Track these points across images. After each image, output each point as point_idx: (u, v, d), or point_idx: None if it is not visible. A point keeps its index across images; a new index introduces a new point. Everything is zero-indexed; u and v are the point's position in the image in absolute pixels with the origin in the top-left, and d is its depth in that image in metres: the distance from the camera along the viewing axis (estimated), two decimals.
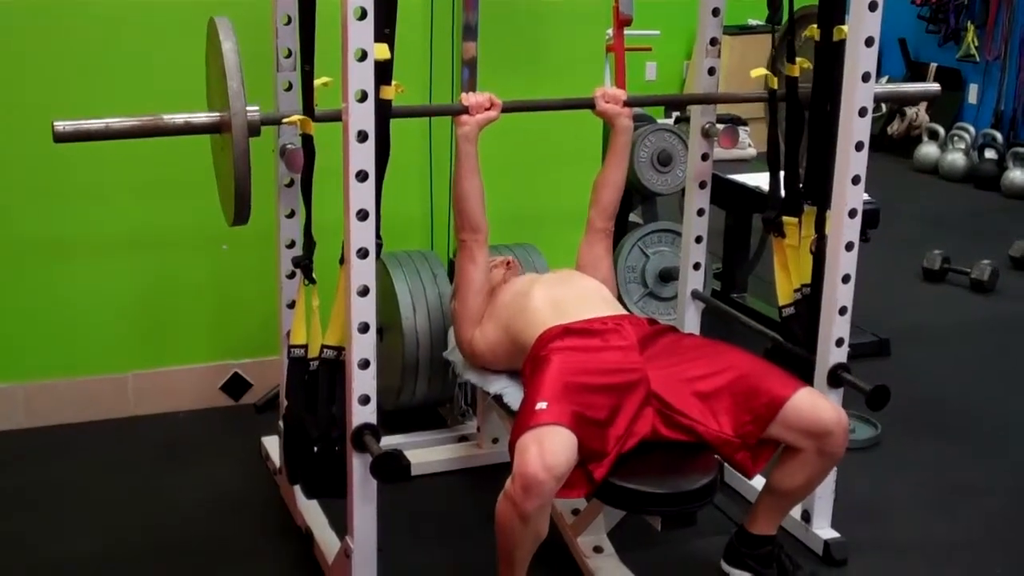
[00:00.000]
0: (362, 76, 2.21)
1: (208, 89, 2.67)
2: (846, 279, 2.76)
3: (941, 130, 7.76)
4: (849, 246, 2.74)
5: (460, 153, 2.83)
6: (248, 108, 2.38)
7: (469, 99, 2.83)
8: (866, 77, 2.62)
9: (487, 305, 2.93)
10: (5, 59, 3.35)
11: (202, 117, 2.50)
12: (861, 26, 2.59)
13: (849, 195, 2.70)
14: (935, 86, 3.33)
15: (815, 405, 2.53)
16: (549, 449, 2.29)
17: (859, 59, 2.61)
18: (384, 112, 2.39)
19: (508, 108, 2.88)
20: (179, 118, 2.46)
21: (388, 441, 2.79)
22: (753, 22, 7.93)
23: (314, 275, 2.64)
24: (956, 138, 7.64)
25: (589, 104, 3.00)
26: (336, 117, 2.32)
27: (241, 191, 2.39)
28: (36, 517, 3.10)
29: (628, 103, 2.99)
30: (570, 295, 2.83)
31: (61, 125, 2.34)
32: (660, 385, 2.53)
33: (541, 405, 2.39)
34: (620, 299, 3.01)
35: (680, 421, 2.50)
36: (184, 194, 3.53)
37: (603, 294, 2.90)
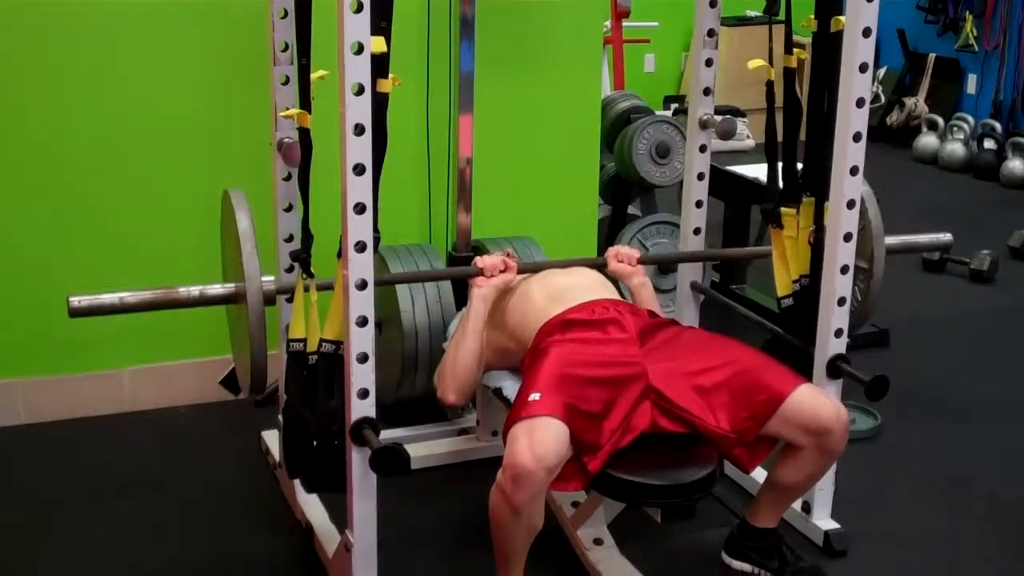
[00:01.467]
0: (359, 69, 2.21)
1: (223, 257, 2.70)
2: (844, 270, 2.76)
3: (940, 120, 7.76)
4: (847, 237, 2.74)
5: (472, 313, 2.80)
6: (264, 279, 2.41)
7: (484, 262, 2.83)
8: (863, 68, 2.62)
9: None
10: (4, 62, 3.36)
11: (217, 289, 2.54)
12: (858, 16, 2.59)
13: (847, 186, 2.70)
14: (947, 237, 3.34)
15: (815, 402, 2.52)
16: (539, 440, 2.29)
17: (857, 50, 2.61)
18: (381, 105, 2.39)
19: (523, 269, 2.89)
20: (194, 290, 2.52)
21: (387, 435, 2.80)
22: (751, 13, 7.93)
23: (312, 269, 2.64)
24: (955, 128, 7.64)
25: (602, 264, 2.99)
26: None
27: (257, 364, 2.42)
28: (35, 513, 3.10)
29: (642, 261, 2.99)
30: (569, 283, 2.84)
31: (76, 300, 2.44)
32: (659, 379, 2.52)
33: (534, 396, 2.39)
34: (620, 292, 3.00)
35: (679, 415, 2.50)
36: (180, 188, 3.53)
37: (602, 280, 2.90)
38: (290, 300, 2.62)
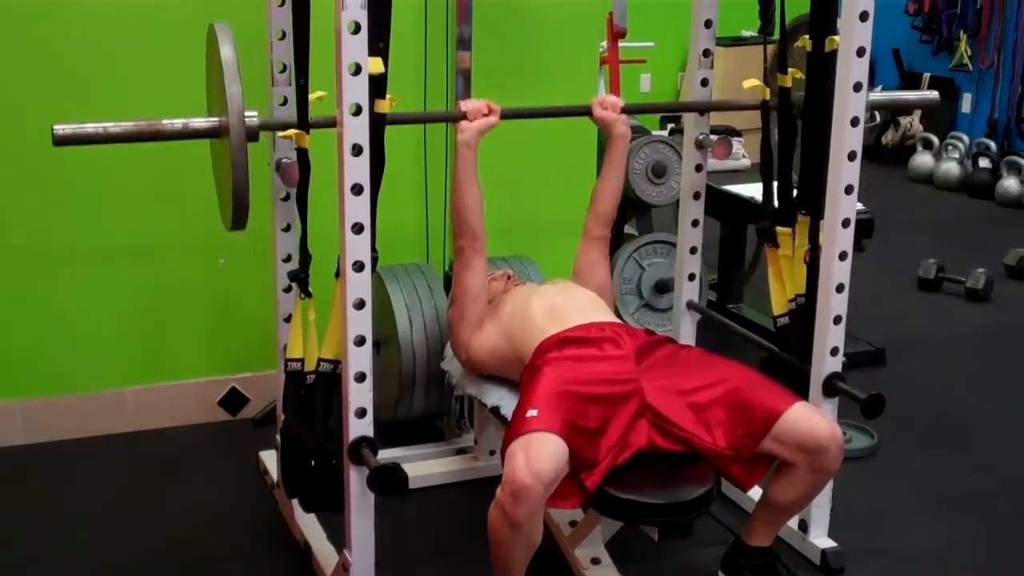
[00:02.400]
0: (357, 90, 2.22)
1: (208, 95, 2.69)
2: (840, 288, 2.77)
3: (935, 139, 7.78)
4: (843, 255, 2.75)
5: (459, 159, 2.84)
6: (246, 113, 2.40)
7: (467, 105, 2.84)
8: (858, 87, 2.64)
9: (486, 312, 2.93)
10: (3, 65, 3.36)
11: (200, 122, 2.53)
12: (852, 36, 2.61)
13: (842, 205, 2.71)
14: (933, 94, 3.33)
15: (810, 421, 2.53)
16: (537, 456, 2.30)
17: (851, 69, 2.63)
18: (379, 125, 2.40)
19: (506, 115, 2.90)
20: (177, 122, 2.49)
21: (385, 454, 2.80)
22: (746, 33, 7.95)
23: (310, 289, 2.65)
24: (950, 147, 7.66)
25: (587, 111, 3.01)
26: (331, 123, 2.34)
27: (239, 194, 2.41)
28: (35, 533, 3.10)
29: (625, 110, 3.00)
30: (567, 303, 2.84)
31: (60, 128, 2.39)
32: (655, 397, 2.53)
33: (532, 413, 2.40)
34: (616, 311, 3.01)
35: (675, 433, 2.51)
36: (182, 210, 3.54)
37: (599, 304, 2.90)
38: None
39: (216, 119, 2.50)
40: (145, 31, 3.45)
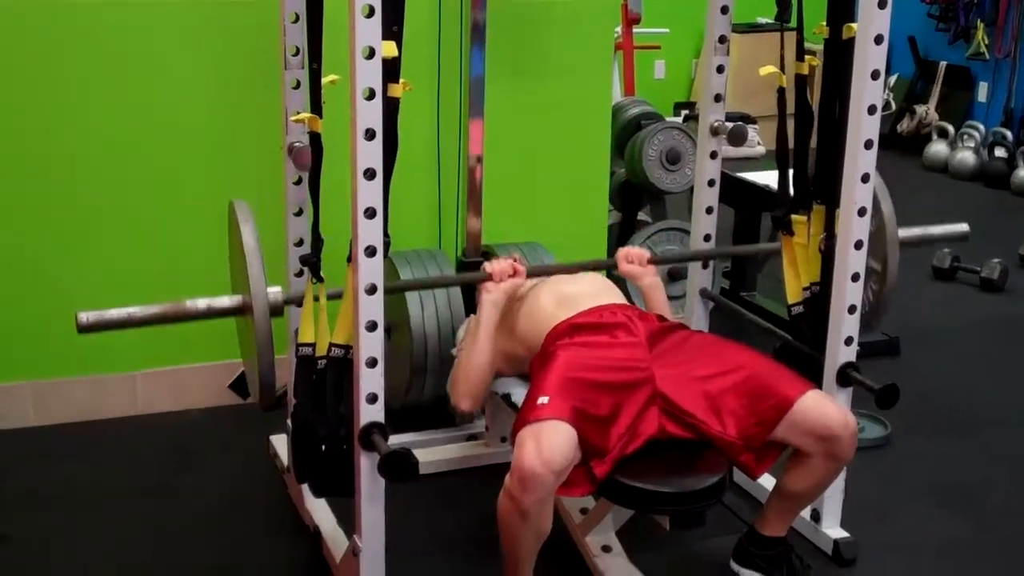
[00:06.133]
0: (370, 74, 2.20)
1: (231, 267, 2.71)
2: (855, 277, 2.75)
3: (951, 128, 7.74)
4: (858, 244, 2.73)
5: (483, 319, 2.78)
6: (269, 290, 2.43)
7: (493, 267, 2.81)
8: (875, 75, 2.61)
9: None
10: (11, 86, 3.37)
11: (225, 301, 2.55)
12: (870, 24, 2.58)
13: (858, 193, 2.69)
14: (963, 227, 3.34)
15: (822, 408, 2.51)
16: (547, 443, 2.29)
17: (868, 57, 2.60)
18: (392, 110, 2.39)
19: (532, 272, 2.89)
20: (201, 303, 2.53)
21: (396, 439, 2.80)
22: (762, 20, 7.92)
23: (322, 273, 2.64)
24: (966, 136, 7.61)
25: (612, 265, 2.99)
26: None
27: (265, 379, 2.44)
28: (45, 516, 3.10)
29: (652, 261, 2.98)
30: (577, 290, 2.83)
31: (84, 316, 2.43)
32: (666, 384, 2.52)
33: (542, 400, 2.39)
34: (630, 299, 3.00)
35: (685, 420, 2.50)
36: (193, 192, 3.53)
37: (610, 287, 2.89)
38: (299, 305, 2.62)
39: (240, 298, 2.53)
40: (155, 31, 3.45)
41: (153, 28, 3.43)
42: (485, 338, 2.77)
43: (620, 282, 3.18)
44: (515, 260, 2.84)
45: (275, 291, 2.47)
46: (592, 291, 2.84)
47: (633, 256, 2.96)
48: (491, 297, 2.79)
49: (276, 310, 2.46)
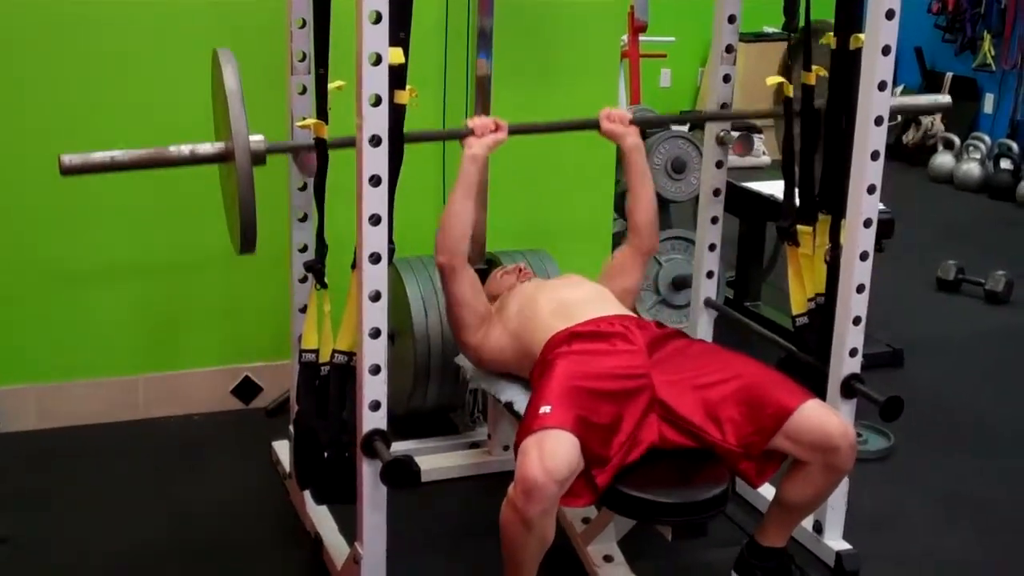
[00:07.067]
0: (377, 80, 2.20)
1: (215, 120, 2.68)
2: (860, 289, 2.75)
3: (956, 140, 7.74)
4: (864, 256, 2.73)
5: (463, 173, 2.80)
6: (252, 137, 2.39)
7: (474, 122, 2.82)
8: (882, 86, 2.61)
9: (488, 310, 2.91)
10: (15, 88, 3.37)
11: (207, 147, 2.51)
12: (878, 34, 2.58)
13: (864, 204, 2.68)
14: (946, 98, 3.30)
15: (821, 418, 2.50)
16: (550, 452, 2.28)
17: (876, 67, 2.60)
18: (398, 116, 2.39)
19: (514, 130, 2.88)
20: (184, 149, 2.49)
21: (399, 447, 2.79)
22: (769, 29, 7.92)
23: (326, 279, 2.64)
24: (972, 148, 7.61)
25: (594, 124, 2.98)
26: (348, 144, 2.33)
27: (246, 220, 2.40)
28: (47, 518, 3.10)
29: (634, 122, 2.97)
30: (575, 298, 2.82)
31: (67, 159, 2.38)
32: (665, 391, 2.51)
33: (545, 409, 2.38)
34: (634, 309, 2.99)
35: (684, 427, 2.49)
36: (193, 192, 3.52)
37: (607, 296, 2.88)
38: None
39: (222, 144, 2.50)
40: (162, 33, 3.45)
41: (154, 29, 3.43)
42: (463, 192, 2.79)
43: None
44: (497, 125, 2.82)
45: (258, 138, 2.43)
46: (591, 298, 2.83)
47: (615, 116, 2.96)
48: (472, 151, 2.80)
49: (259, 157, 2.42)
